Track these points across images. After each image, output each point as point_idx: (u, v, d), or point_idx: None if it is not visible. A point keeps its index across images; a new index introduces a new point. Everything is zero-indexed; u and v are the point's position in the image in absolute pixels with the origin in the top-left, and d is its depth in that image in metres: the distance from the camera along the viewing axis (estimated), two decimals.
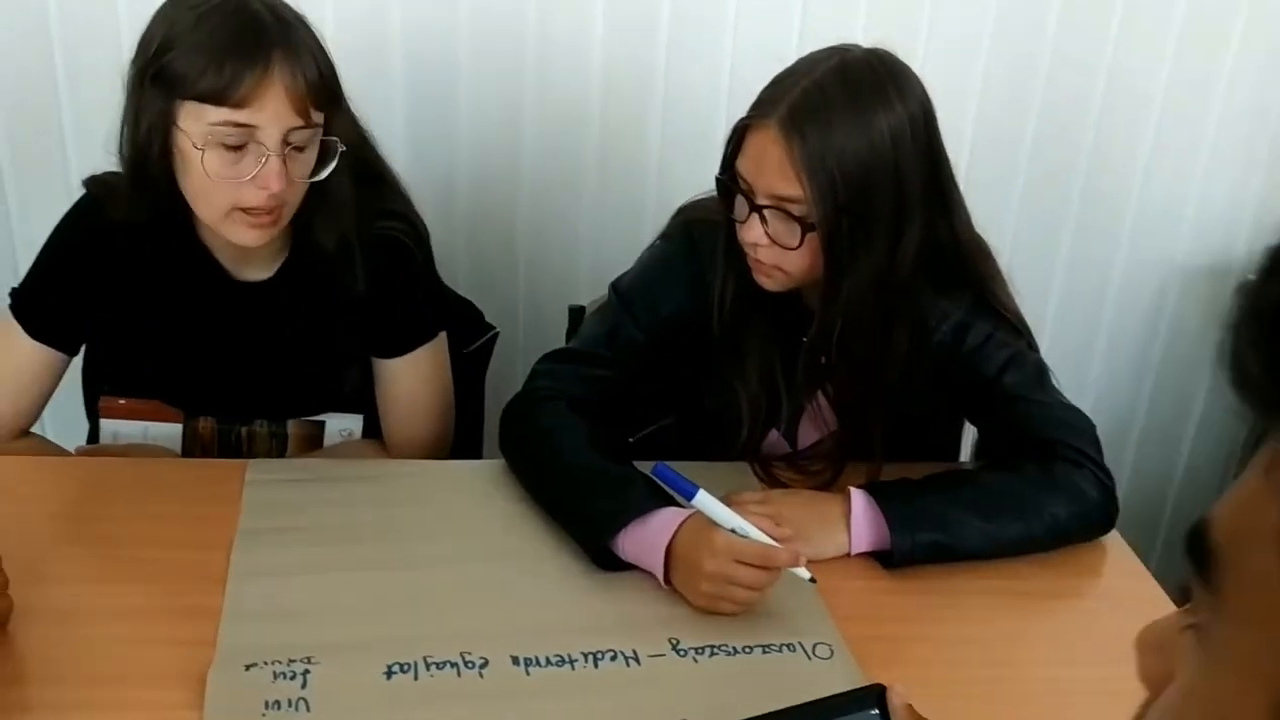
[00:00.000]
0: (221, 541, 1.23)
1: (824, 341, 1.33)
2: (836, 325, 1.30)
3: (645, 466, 1.26)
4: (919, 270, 1.29)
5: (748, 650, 1.14)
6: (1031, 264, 2.10)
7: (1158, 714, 0.42)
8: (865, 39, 1.30)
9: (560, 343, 1.80)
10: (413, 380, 1.48)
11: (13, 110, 1.88)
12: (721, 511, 1.17)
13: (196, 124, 1.23)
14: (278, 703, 1.03)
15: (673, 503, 1.22)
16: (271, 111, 1.22)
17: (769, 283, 1.31)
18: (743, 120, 1.27)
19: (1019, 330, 1.38)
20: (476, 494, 1.38)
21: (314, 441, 1.51)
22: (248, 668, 1.06)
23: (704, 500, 1.17)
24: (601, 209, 2.05)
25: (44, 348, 1.39)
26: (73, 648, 1.09)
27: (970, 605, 1.25)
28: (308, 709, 1.03)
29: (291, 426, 1.50)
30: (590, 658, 1.11)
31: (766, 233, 1.26)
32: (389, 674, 1.08)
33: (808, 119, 1.21)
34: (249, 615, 1.13)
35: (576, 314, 1.75)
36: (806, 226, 1.24)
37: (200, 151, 1.22)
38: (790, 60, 1.29)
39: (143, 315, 1.40)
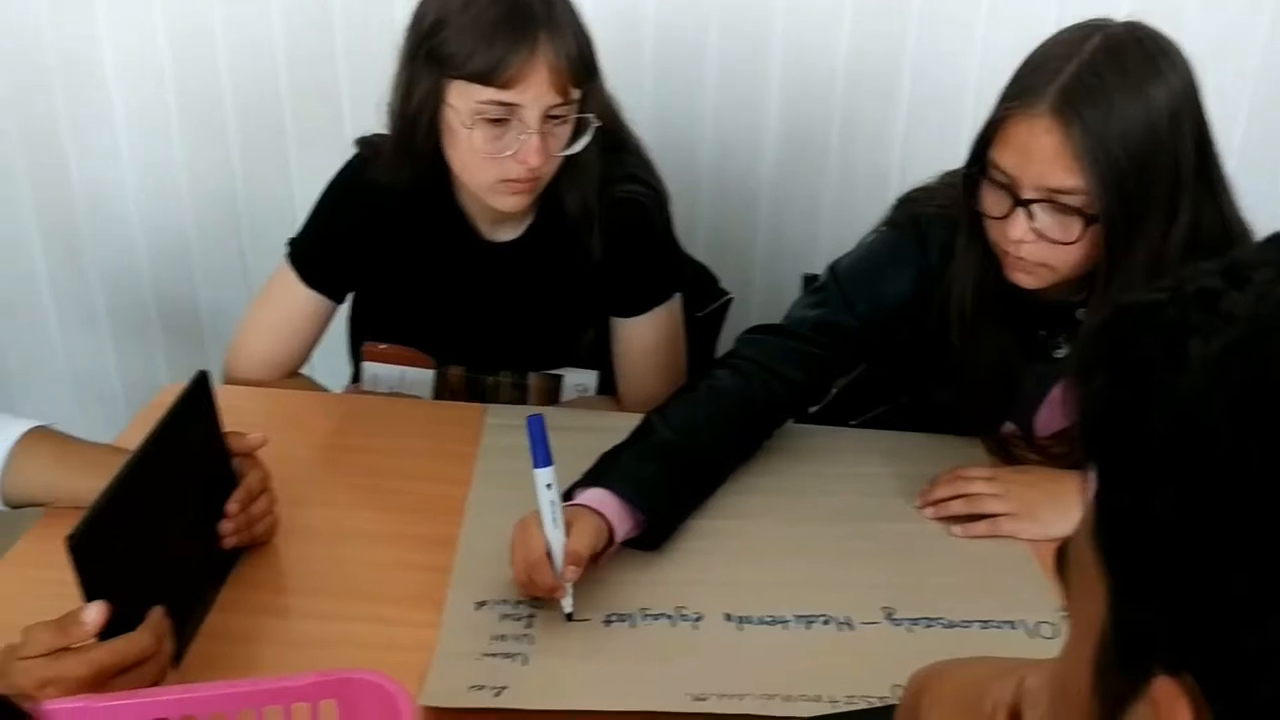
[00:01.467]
0: (463, 477, 1.31)
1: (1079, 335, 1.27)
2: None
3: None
4: (1185, 257, 1.21)
5: (965, 624, 1.12)
6: None
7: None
8: (1124, 13, 1.23)
9: None
10: (647, 339, 1.52)
11: (296, 76, 2.04)
12: (544, 504, 1.10)
13: (464, 102, 1.29)
14: (504, 636, 1.09)
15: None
16: (534, 92, 1.27)
17: (1029, 280, 1.24)
18: (1001, 110, 1.19)
19: None
20: None
21: (552, 394, 1.58)
22: (479, 605, 1.13)
23: (541, 479, 1.09)
24: (844, 180, 2.04)
25: (315, 294, 1.51)
26: (327, 563, 1.19)
27: None
28: (532, 643, 1.09)
29: (532, 379, 1.58)
30: (803, 620, 1.13)
31: (1033, 228, 1.19)
32: (607, 621, 1.12)
33: (1085, 102, 1.13)
34: (482, 551, 1.20)
35: (810, 283, 1.75)
36: (1087, 219, 1.16)
37: (468, 130, 1.29)
38: (1047, 31, 1.23)
39: (402, 269, 1.50)
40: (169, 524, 1.07)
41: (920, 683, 0.71)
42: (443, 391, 1.58)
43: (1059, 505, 1.24)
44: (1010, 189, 1.19)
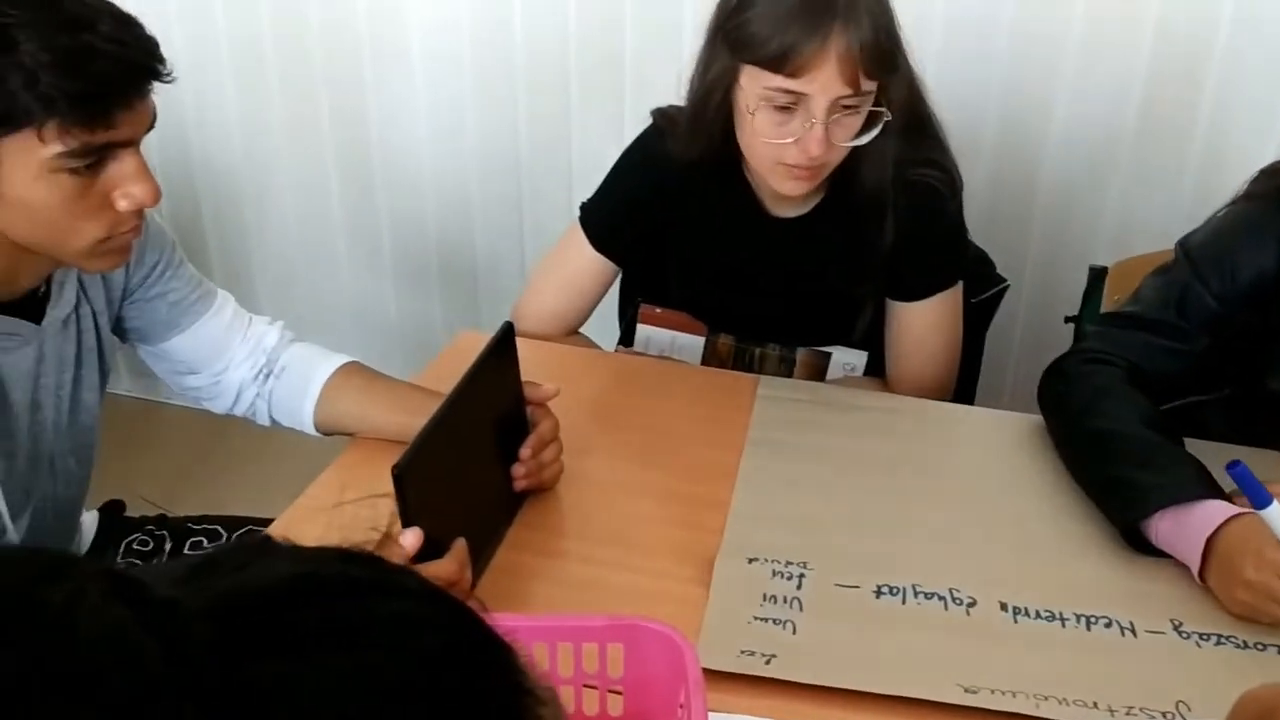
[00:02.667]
0: (732, 443, 1.34)
1: None
2: None
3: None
4: None
5: (1260, 647, 1.07)
6: None
7: None
8: None
9: (1072, 304, 1.75)
10: (926, 325, 1.50)
11: (585, 46, 2.10)
12: None
13: (753, 86, 1.30)
14: (774, 597, 1.11)
15: (1222, 496, 1.14)
16: (822, 83, 1.26)
17: None
18: None
19: None
20: (974, 439, 1.38)
21: (818, 371, 1.59)
22: (749, 561, 1.16)
23: (1273, 515, 1.07)
24: (1136, 172, 1.94)
25: (601, 258, 1.55)
26: (602, 513, 1.23)
27: None
28: (800, 608, 1.10)
29: (800, 354, 1.58)
30: (1083, 619, 1.09)
31: None
32: (878, 593, 1.12)
33: None
34: (753, 514, 1.22)
35: (1097, 274, 1.69)
36: None
37: (752, 114, 1.30)
38: None
39: (687, 238, 1.53)
40: (472, 462, 1.14)
41: (1269, 701, 0.67)
42: (710, 358, 1.61)
43: None
44: None
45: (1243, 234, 1.29)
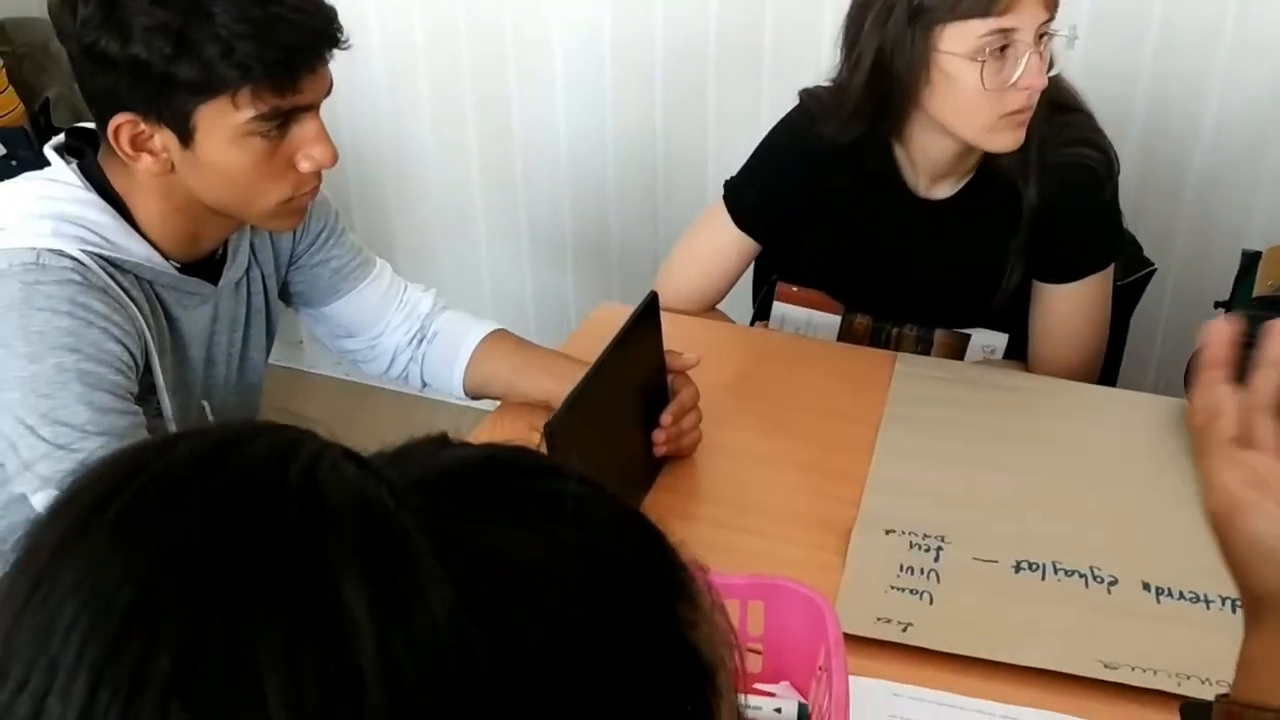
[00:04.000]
0: (869, 418, 1.35)
1: None
2: None
3: None
4: None
5: None
6: None
7: None
8: None
9: (1222, 290, 1.70)
10: (1073, 308, 1.48)
11: (724, 33, 2.11)
12: None
13: (964, 42, 1.28)
14: (911, 569, 1.12)
15: None
16: (1030, 11, 1.27)
17: None
18: None
19: None
20: (1117, 421, 1.36)
21: (957, 352, 1.58)
22: (887, 532, 1.17)
23: None
24: None
25: (743, 235, 1.57)
26: (739, 481, 1.26)
27: None
28: (937, 580, 1.11)
29: (938, 335, 1.58)
30: (1228, 602, 1.08)
31: None
32: (1017, 568, 1.12)
33: None
34: (891, 487, 1.23)
35: (1250, 259, 1.64)
36: None
37: (978, 65, 1.28)
38: None
39: (828, 217, 1.54)
40: (616, 425, 1.18)
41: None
42: (846, 338, 1.61)
43: None
44: None
45: None
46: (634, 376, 1.20)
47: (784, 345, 1.55)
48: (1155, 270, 1.68)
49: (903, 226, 1.50)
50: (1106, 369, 1.65)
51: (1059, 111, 1.40)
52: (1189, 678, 1.00)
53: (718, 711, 0.38)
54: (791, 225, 1.57)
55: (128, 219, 1.11)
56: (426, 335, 1.38)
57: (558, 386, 1.30)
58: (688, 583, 0.39)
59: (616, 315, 1.60)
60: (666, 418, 1.22)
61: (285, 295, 1.35)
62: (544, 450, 1.00)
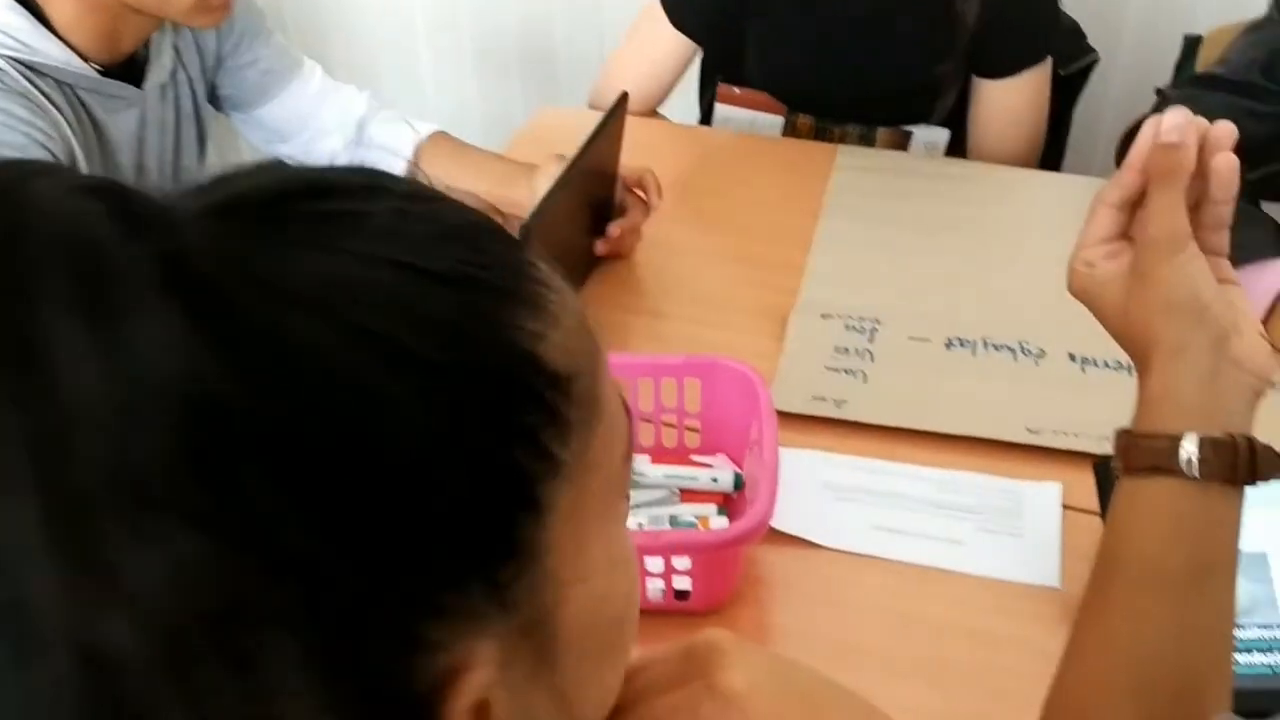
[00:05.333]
0: (810, 210, 1.36)
1: None
2: None
3: None
4: None
5: None
6: None
7: None
8: None
9: (1164, 75, 1.70)
10: (1012, 103, 1.48)
11: None
12: None
13: None
14: (847, 349, 1.15)
15: None
16: None
17: None
18: None
19: None
20: (1053, 204, 1.38)
21: (899, 149, 1.58)
22: (823, 316, 1.19)
23: None
24: None
25: (679, 35, 1.54)
26: (681, 273, 1.28)
27: None
28: (872, 359, 1.14)
29: (881, 133, 1.57)
30: None
31: None
32: (949, 345, 1.16)
33: None
34: (828, 275, 1.25)
35: (1191, 44, 1.63)
36: None
37: None
38: None
39: (766, 10, 1.51)
40: (570, 221, 1.19)
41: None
42: (789, 137, 1.60)
43: None
44: None
45: None
46: (594, 175, 1.20)
47: (726, 142, 1.54)
48: (1098, 59, 1.67)
49: (840, 22, 1.48)
50: (1050, 160, 1.66)
51: None
52: (1108, 438, 1.04)
53: (577, 422, 0.35)
54: (731, 22, 1.54)
55: (42, 21, 1.08)
56: (363, 138, 1.37)
57: (500, 189, 1.30)
58: (532, 291, 0.36)
59: (558, 119, 1.60)
60: (615, 229, 1.23)
61: (215, 100, 1.33)
62: None
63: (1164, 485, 0.62)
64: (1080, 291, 0.70)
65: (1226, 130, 0.65)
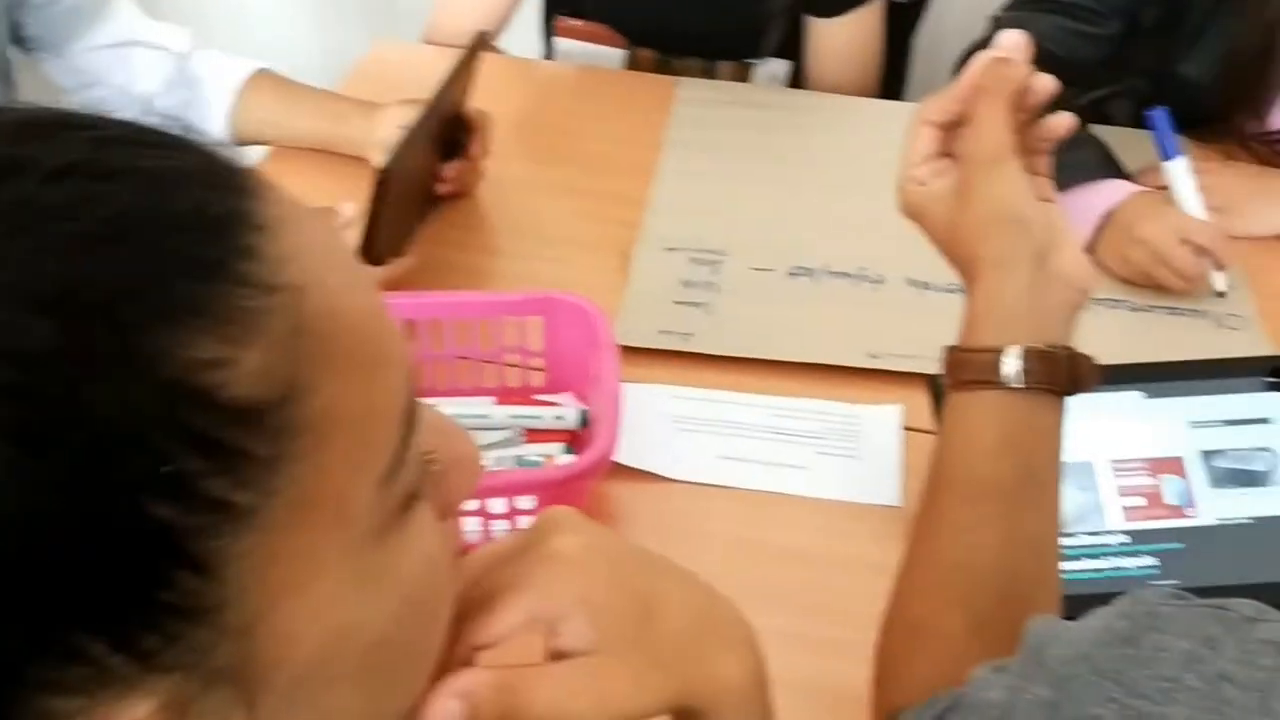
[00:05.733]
0: (651, 143, 1.34)
1: None
2: None
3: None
4: None
5: (1149, 309, 1.13)
6: None
7: None
8: None
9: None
10: (844, 40, 1.49)
11: None
12: (1188, 191, 1.13)
13: None
14: (691, 282, 1.15)
15: (1126, 178, 1.18)
16: None
17: None
18: None
19: None
20: (894, 133, 1.39)
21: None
22: (668, 250, 1.19)
23: (1178, 169, 1.12)
24: None
25: None
26: (524, 211, 1.25)
27: None
28: (718, 291, 1.14)
29: (721, 66, 1.56)
30: None
31: None
32: (792, 274, 1.16)
33: None
34: (671, 208, 1.25)
35: None
36: None
37: None
38: None
39: None
40: (419, 162, 1.15)
41: None
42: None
43: (1262, 199, 1.21)
44: None
45: None
46: (445, 116, 1.16)
47: (565, 76, 1.51)
48: None
49: None
50: (892, 89, 1.68)
51: None
52: None
53: (281, 455, 0.30)
54: None
55: None
56: (184, 78, 1.29)
57: (335, 128, 1.26)
58: (224, 303, 0.29)
59: (396, 55, 1.55)
60: (451, 169, 1.19)
61: (21, 42, 1.24)
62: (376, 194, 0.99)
63: (989, 398, 0.63)
64: (910, 208, 0.71)
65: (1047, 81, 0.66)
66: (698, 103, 1.42)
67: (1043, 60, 1.29)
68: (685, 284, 1.15)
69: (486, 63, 1.50)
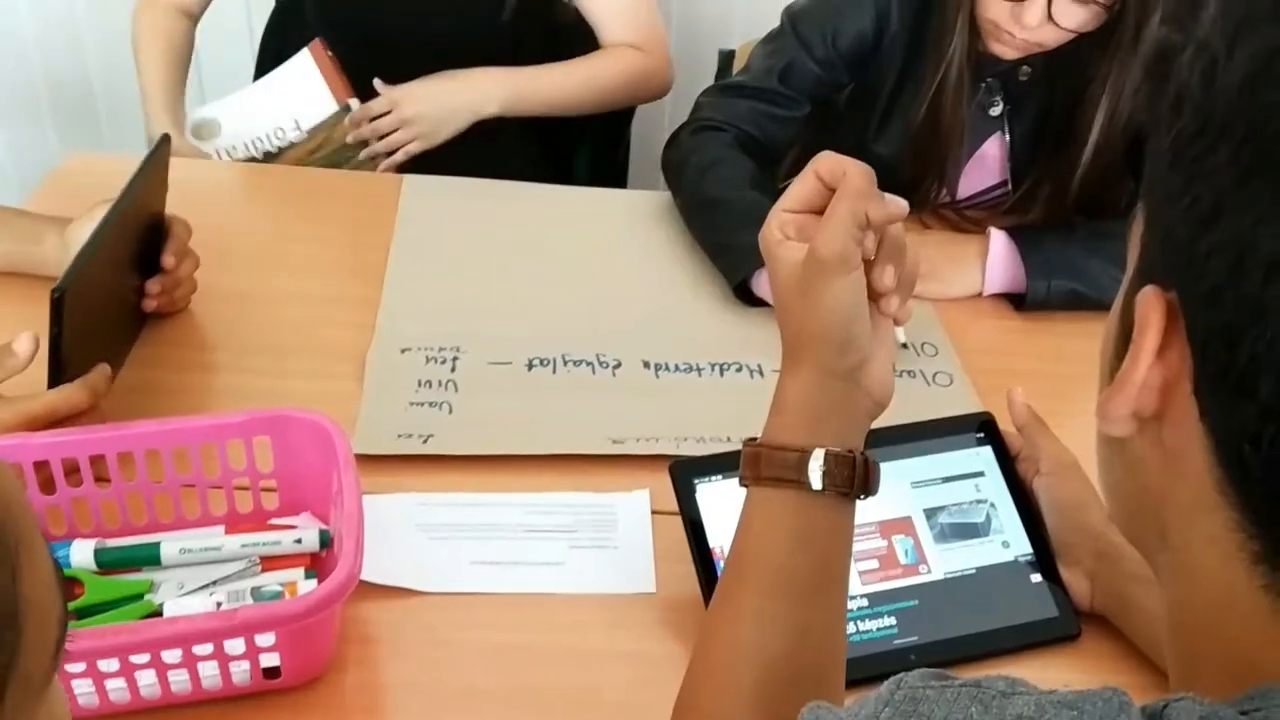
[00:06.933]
0: (379, 243, 1.32)
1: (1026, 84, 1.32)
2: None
3: None
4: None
5: None
6: None
7: None
8: None
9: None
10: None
11: None
12: None
13: None
14: (429, 382, 1.13)
15: None
16: None
17: (1012, 54, 1.27)
18: None
19: None
20: (615, 218, 1.43)
21: None
22: (403, 351, 1.16)
23: None
24: None
25: None
26: (249, 323, 1.19)
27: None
28: (456, 389, 1.12)
29: None
30: (716, 368, 1.18)
31: (1050, 15, 1.19)
32: (529, 366, 1.16)
33: None
34: (403, 308, 1.22)
35: (726, 58, 1.75)
36: (1107, 7, 1.19)
37: None
38: None
39: None
40: (115, 278, 1.08)
41: None
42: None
43: (959, 265, 1.30)
44: None
45: (839, 1, 1.36)
46: (140, 223, 1.10)
47: (283, 177, 1.47)
48: None
49: None
50: (615, 173, 1.73)
51: None
52: (685, 439, 1.08)
53: None
54: None
55: None
56: None
57: (23, 247, 1.17)
58: None
59: (89, 165, 1.46)
60: (169, 259, 1.12)
61: None
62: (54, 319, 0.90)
63: (790, 496, 0.67)
64: (766, 247, 0.71)
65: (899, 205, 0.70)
66: (424, 196, 1.41)
67: (743, 144, 1.37)
68: (422, 383, 1.13)
69: (196, 168, 1.45)
